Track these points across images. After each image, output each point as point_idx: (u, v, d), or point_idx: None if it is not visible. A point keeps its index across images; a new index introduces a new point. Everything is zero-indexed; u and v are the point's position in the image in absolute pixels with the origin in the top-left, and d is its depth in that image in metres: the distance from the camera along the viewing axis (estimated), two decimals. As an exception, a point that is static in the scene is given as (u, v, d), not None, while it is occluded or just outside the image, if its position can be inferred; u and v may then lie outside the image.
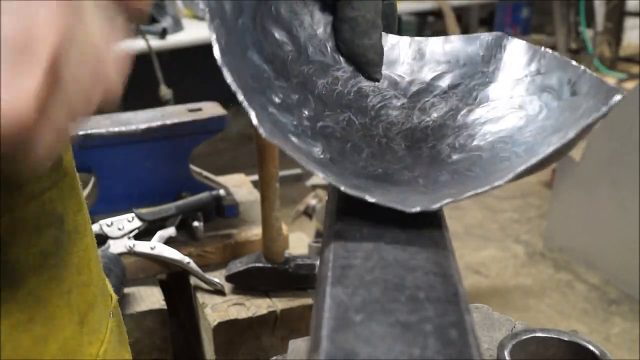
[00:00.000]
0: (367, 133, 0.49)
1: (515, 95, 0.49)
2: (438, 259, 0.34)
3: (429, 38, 0.55)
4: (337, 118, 0.48)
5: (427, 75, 0.53)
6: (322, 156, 0.43)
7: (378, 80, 0.52)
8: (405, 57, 0.54)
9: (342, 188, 0.36)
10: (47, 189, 0.43)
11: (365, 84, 0.52)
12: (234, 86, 0.36)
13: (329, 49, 0.52)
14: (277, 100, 0.44)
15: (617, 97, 0.38)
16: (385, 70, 0.53)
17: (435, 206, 0.36)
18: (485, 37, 0.53)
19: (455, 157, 0.47)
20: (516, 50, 0.51)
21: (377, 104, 0.51)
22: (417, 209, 0.36)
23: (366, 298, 0.30)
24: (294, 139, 0.42)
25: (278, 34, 0.48)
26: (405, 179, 0.44)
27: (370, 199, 0.36)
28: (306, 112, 0.46)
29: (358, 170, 0.44)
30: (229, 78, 0.37)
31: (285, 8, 0.49)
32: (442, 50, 0.54)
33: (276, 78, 0.46)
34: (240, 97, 0.36)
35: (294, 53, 0.49)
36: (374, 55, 0.51)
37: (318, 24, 0.52)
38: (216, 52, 0.37)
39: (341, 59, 0.52)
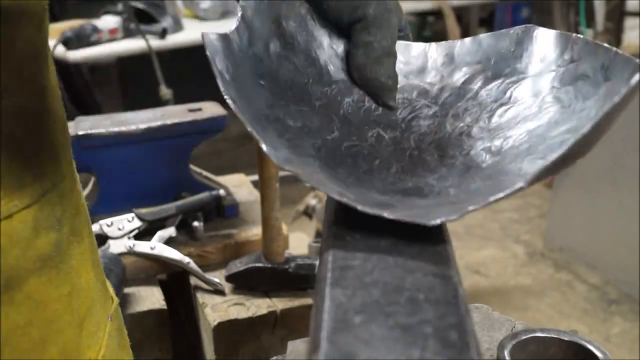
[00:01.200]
0: (398, 147, 0.47)
1: (550, 88, 0.47)
2: (438, 260, 0.34)
3: (457, 41, 0.53)
4: (365, 135, 0.47)
5: (458, 79, 0.52)
6: (348, 177, 0.42)
7: (392, 108, 0.50)
8: (433, 63, 0.53)
9: (360, 207, 0.35)
10: (45, 191, 0.43)
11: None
12: (241, 117, 0.36)
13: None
14: (297, 124, 0.43)
15: (637, 77, 0.36)
16: (414, 80, 0.52)
17: (456, 216, 0.34)
18: (515, 30, 0.51)
19: (490, 161, 0.45)
20: (547, 40, 0.49)
21: (407, 115, 0.50)
22: (438, 221, 0.34)
23: (365, 300, 0.30)
24: (316, 162, 0.41)
25: (296, 59, 0.47)
26: (436, 191, 0.42)
27: (389, 215, 0.35)
28: (331, 134, 0.45)
29: (386, 186, 0.42)
30: (235, 108, 0.36)
31: (301, 33, 0.48)
32: (472, 51, 0.52)
33: (296, 103, 0.45)
34: (249, 127, 0.36)
35: (315, 75, 0.48)
36: (387, 80, 0.50)
37: (338, 43, 0.51)
38: (221, 86, 0.37)
39: None
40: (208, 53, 0.38)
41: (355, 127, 0.47)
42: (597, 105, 0.42)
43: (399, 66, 0.52)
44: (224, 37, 0.40)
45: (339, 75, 0.50)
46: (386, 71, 0.49)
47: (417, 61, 0.53)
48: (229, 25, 0.42)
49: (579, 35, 0.47)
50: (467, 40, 0.53)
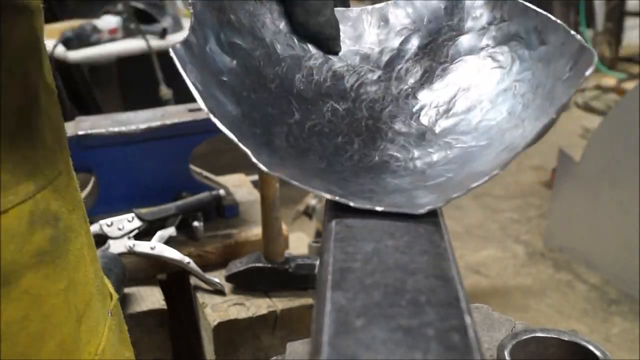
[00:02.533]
0: (353, 118, 0.48)
1: (484, 46, 0.49)
2: (438, 261, 0.33)
3: (389, 2, 0.54)
4: (322, 111, 0.48)
5: (395, 41, 0.53)
6: (321, 164, 0.43)
7: (338, 53, 0.52)
8: (369, 27, 0.53)
9: (352, 204, 0.37)
10: (41, 187, 0.43)
11: (339, 65, 0.52)
12: (228, 133, 0.36)
13: (295, 40, 0.51)
14: (261, 114, 0.44)
15: (590, 69, 0.37)
16: (354, 46, 0.53)
17: (442, 204, 0.37)
18: None
19: (442, 125, 0.46)
20: None
21: (354, 83, 0.51)
22: (426, 209, 0.37)
23: (367, 302, 0.29)
24: (290, 155, 0.42)
25: (244, 43, 0.47)
26: (403, 166, 0.44)
27: (379, 208, 0.37)
28: (292, 117, 0.46)
29: (355, 165, 0.44)
30: (220, 125, 0.36)
31: (244, 14, 0.48)
32: (405, 11, 0.53)
33: (255, 91, 0.45)
34: (236, 140, 0.36)
35: (264, 56, 0.48)
36: (330, 30, 0.51)
37: (279, 19, 0.51)
38: (199, 101, 0.37)
39: (309, 46, 0.51)
40: (179, 66, 0.38)
41: (311, 104, 0.48)
42: (535, 69, 0.44)
43: None
44: (186, 43, 0.40)
45: (286, 52, 0.50)
46: (328, 21, 0.50)
47: (354, 26, 0.54)
48: None
49: None
50: (400, 1, 0.54)
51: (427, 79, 0.50)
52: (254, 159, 0.36)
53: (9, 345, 0.41)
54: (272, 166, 0.37)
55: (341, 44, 0.53)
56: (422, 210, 0.37)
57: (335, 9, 0.53)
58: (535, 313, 2.02)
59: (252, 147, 0.37)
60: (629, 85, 3.42)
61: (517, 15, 0.47)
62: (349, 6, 0.55)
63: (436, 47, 0.51)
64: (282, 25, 0.51)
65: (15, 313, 0.41)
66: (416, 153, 0.45)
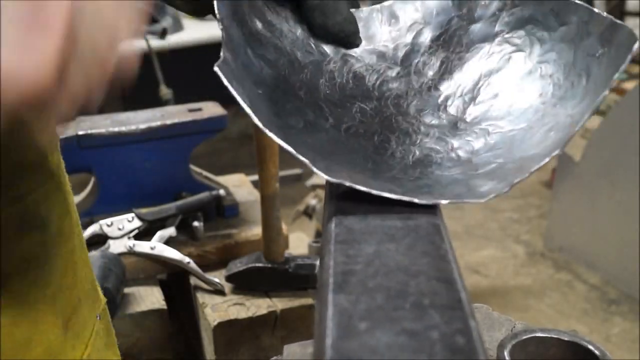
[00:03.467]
0: (382, 116, 0.49)
1: (498, 32, 0.49)
2: (440, 263, 0.33)
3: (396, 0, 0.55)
4: (351, 112, 0.48)
5: (407, 36, 0.53)
6: (368, 165, 0.43)
7: (358, 45, 0.52)
8: (381, 25, 0.54)
9: (417, 201, 0.37)
10: (31, 191, 0.43)
11: (357, 65, 0.52)
12: (286, 146, 0.37)
13: (312, 45, 0.51)
14: (300, 125, 0.44)
15: (636, 44, 0.38)
16: (369, 45, 0.53)
17: (507, 189, 0.37)
18: None
19: (472, 113, 0.47)
20: None
21: (375, 81, 0.51)
22: (492, 196, 0.37)
23: (370, 305, 0.29)
24: (339, 155, 0.42)
25: (267, 53, 0.48)
26: (446, 157, 0.44)
27: (444, 201, 0.37)
28: (327, 122, 0.46)
29: (400, 162, 0.44)
30: (277, 139, 0.37)
31: (263, 26, 0.49)
32: (413, 6, 0.54)
33: (289, 101, 0.46)
34: (295, 152, 0.37)
35: (288, 64, 0.49)
36: (350, 26, 0.51)
37: (295, 26, 0.51)
38: (253, 118, 0.37)
39: (326, 49, 0.52)
40: (227, 84, 0.38)
41: (339, 107, 0.48)
42: (560, 49, 0.44)
43: None
44: (224, 61, 0.40)
45: (306, 58, 0.50)
46: (347, 18, 0.51)
47: (366, 26, 0.54)
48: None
49: None
50: None
51: (445, 70, 0.50)
52: (314, 169, 0.36)
53: None
54: (331, 173, 0.37)
55: (357, 48, 0.53)
56: (487, 198, 0.37)
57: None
58: (535, 313, 2.02)
59: (309, 156, 0.37)
60: (629, 85, 3.42)
61: None
62: (358, 6, 0.55)
63: (449, 38, 0.51)
64: (299, 32, 0.51)
65: (2, 319, 0.40)
66: (455, 143, 0.45)
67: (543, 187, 2.83)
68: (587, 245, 2.23)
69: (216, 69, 0.38)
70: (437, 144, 0.45)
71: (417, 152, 0.45)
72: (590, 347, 0.48)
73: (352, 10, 0.54)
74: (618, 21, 0.40)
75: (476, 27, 0.51)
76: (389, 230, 0.36)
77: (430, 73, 0.51)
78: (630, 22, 4.49)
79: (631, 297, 2.05)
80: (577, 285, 2.16)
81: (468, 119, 0.46)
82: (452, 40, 0.51)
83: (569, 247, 2.30)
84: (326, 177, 0.36)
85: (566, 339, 0.49)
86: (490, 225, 2.58)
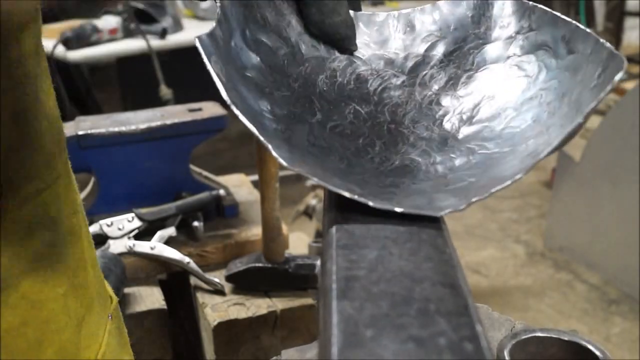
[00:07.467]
0: (375, 122, 0.48)
1: (511, 55, 0.49)
2: (444, 268, 0.33)
3: (416, 8, 0.54)
4: (344, 113, 0.48)
5: (420, 47, 0.53)
6: (341, 165, 0.42)
7: (352, 52, 0.52)
8: (395, 32, 0.54)
9: (371, 204, 0.36)
10: (41, 191, 0.43)
11: (363, 68, 0.52)
12: (249, 125, 0.36)
13: (321, 41, 0.51)
14: (284, 112, 0.44)
15: (620, 74, 0.38)
16: (379, 50, 0.53)
17: (463, 206, 0.36)
18: None
19: (465, 132, 0.46)
20: (504, 6, 0.50)
21: (377, 87, 0.51)
22: (447, 211, 0.36)
23: (375, 312, 0.28)
24: (311, 149, 0.42)
25: (269, 41, 0.47)
26: (424, 170, 0.43)
27: (398, 209, 0.36)
28: (314, 117, 0.46)
29: (376, 168, 0.43)
30: (241, 117, 0.36)
31: (271, 13, 0.49)
32: (432, 18, 0.53)
33: (278, 89, 0.45)
34: (257, 133, 0.36)
35: (289, 55, 0.48)
36: (346, 30, 0.51)
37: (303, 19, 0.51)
38: (222, 92, 0.37)
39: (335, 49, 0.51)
40: (204, 56, 0.38)
41: (333, 105, 0.48)
42: (563, 78, 0.44)
43: (364, 38, 0.53)
44: (211, 36, 0.40)
45: (310, 53, 0.50)
46: (344, 21, 0.50)
47: (380, 31, 0.54)
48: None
49: (536, 4, 0.48)
50: (427, 7, 0.54)
51: (451, 86, 0.50)
52: (274, 153, 0.36)
53: (6, 352, 0.40)
54: (292, 161, 0.37)
55: (367, 47, 0.53)
56: (442, 213, 0.36)
57: (362, 13, 0.53)
58: (535, 313, 2.02)
59: (273, 141, 0.37)
60: (629, 85, 3.42)
61: (545, 24, 0.47)
62: (360, 8, 0.55)
63: (462, 54, 0.51)
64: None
65: (13, 319, 0.40)
66: (438, 158, 0.44)
67: (543, 187, 2.83)
68: (587, 245, 2.23)
69: (196, 40, 0.38)
70: (420, 156, 0.45)
71: (397, 162, 0.44)
72: (590, 347, 0.48)
73: (368, 13, 0.53)
74: (615, 51, 0.39)
75: (490, 48, 0.50)
76: (391, 235, 0.35)
77: (436, 87, 0.50)
78: (630, 22, 4.49)
79: (631, 297, 2.05)
80: (577, 285, 2.16)
81: (459, 137, 0.46)
82: (464, 58, 0.51)
83: (569, 247, 2.30)
84: (284, 163, 0.36)
85: (566, 339, 0.49)
86: (490, 225, 2.58)
